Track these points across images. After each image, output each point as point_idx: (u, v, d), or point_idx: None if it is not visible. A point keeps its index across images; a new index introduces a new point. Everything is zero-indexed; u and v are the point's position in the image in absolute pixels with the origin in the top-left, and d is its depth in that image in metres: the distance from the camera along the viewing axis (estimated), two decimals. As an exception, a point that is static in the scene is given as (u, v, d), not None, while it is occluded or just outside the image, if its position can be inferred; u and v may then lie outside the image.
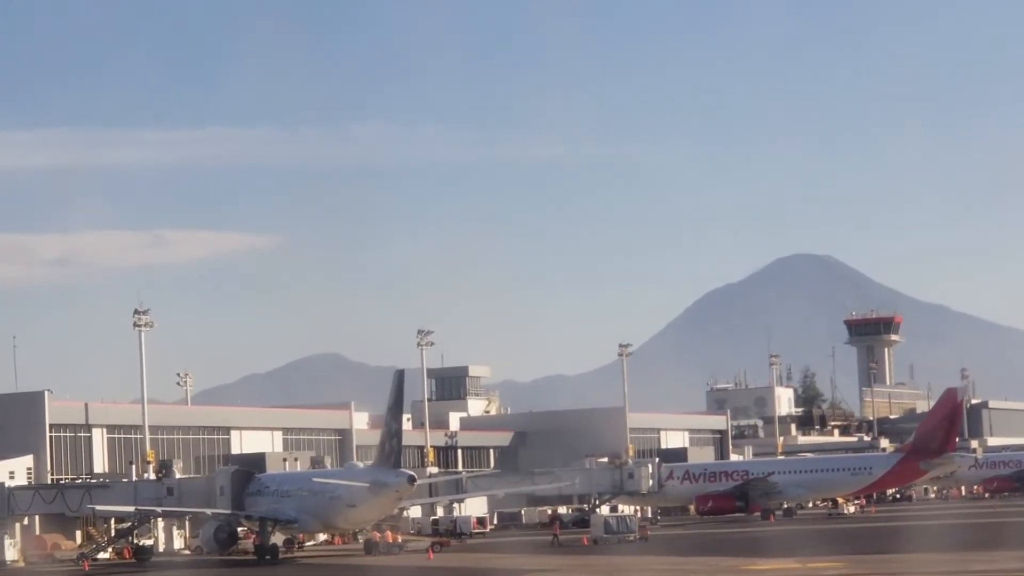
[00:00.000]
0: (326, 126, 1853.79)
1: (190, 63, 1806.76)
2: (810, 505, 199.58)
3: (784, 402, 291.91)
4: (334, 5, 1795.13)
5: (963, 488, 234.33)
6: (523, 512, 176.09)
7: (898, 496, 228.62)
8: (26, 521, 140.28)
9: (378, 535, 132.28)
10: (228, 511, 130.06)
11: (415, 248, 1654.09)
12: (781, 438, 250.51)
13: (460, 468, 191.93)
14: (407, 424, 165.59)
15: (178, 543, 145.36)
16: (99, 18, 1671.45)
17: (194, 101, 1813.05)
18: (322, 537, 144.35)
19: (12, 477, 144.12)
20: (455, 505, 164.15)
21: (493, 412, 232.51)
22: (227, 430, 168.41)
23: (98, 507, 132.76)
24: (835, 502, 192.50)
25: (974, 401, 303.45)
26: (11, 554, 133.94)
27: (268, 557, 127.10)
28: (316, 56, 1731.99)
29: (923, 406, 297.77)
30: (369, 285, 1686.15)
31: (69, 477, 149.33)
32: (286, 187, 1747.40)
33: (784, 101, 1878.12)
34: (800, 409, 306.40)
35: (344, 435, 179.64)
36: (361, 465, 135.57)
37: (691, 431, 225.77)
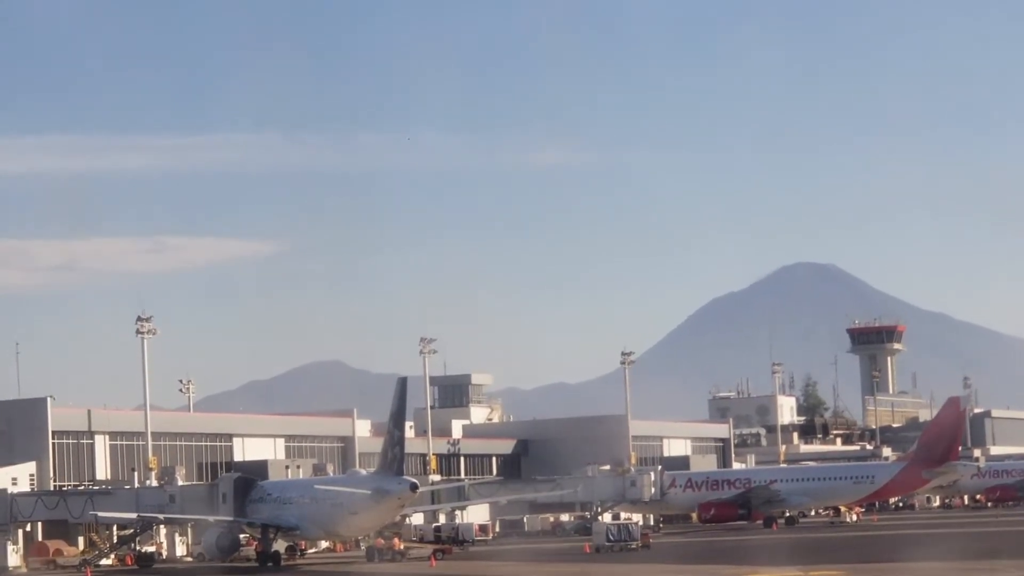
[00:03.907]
0: (328, 133, 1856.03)
1: (192, 70, 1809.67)
2: (812, 513, 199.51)
3: (786, 411, 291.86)
4: (334, 14, 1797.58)
5: (966, 497, 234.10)
6: (525, 520, 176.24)
7: (901, 505, 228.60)
8: (28, 528, 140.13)
9: (380, 542, 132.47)
10: (230, 518, 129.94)
11: (417, 255, 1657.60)
12: (783, 446, 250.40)
13: (462, 475, 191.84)
14: (410, 432, 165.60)
15: (180, 550, 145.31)
16: (102, 24, 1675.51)
17: (196, 108, 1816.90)
18: (324, 544, 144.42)
19: (15, 484, 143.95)
20: (457, 512, 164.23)
21: (496, 420, 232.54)
22: (229, 437, 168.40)
23: (100, 514, 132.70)
24: (837, 510, 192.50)
25: (977, 410, 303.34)
26: (14, 560, 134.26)
27: (270, 564, 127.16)
28: (317, 64, 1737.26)
29: (926, 415, 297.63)
30: (371, 292, 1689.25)
31: (72, 484, 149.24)
32: (288, 194, 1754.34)
33: (787, 109, 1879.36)
34: (802, 418, 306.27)
35: (346, 442, 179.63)
36: (363, 472, 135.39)
37: (693, 439, 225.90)
